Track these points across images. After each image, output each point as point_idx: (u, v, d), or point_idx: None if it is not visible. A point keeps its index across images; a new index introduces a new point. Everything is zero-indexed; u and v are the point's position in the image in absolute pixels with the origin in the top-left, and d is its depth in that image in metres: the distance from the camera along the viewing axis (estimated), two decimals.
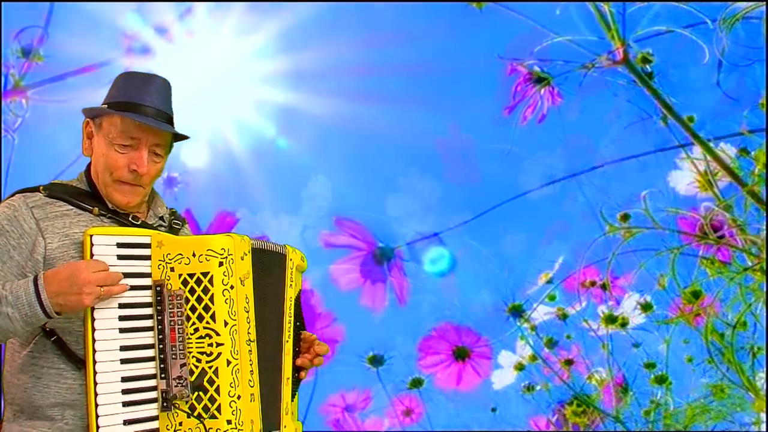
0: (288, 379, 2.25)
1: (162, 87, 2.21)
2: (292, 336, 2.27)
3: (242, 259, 2.09)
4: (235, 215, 4.43)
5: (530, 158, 4.48)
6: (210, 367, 1.99)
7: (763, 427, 3.96)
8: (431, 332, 4.53)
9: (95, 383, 1.95)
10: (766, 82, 4.34)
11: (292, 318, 2.28)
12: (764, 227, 4.30)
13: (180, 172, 4.41)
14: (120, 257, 2.01)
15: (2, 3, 4.11)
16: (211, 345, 2.00)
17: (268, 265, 2.20)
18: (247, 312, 2.09)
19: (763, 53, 4.36)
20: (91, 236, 1.99)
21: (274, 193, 4.47)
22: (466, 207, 4.51)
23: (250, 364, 2.08)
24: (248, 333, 2.08)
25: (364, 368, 4.52)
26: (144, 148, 2.14)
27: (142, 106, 2.14)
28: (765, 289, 4.07)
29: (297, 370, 2.32)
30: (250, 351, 2.08)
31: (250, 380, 2.07)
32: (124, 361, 1.99)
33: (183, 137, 2.27)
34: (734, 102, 4.41)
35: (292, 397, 2.30)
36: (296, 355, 2.31)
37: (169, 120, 2.20)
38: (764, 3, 4.33)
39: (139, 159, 2.13)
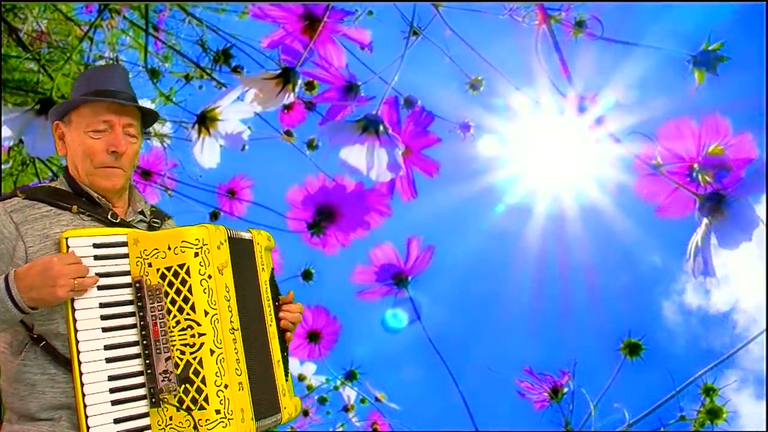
0: (279, 361, 2.25)
1: (121, 73, 2.28)
2: (274, 319, 2.28)
3: (218, 248, 2.08)
4: None
5: None
6: (194, 359, 1.98)
7: (763, 427, 3.95)
8: None
9: (82, 384, 1.95)
10: (766, 82, 4.33)
11: (270, 301, 2.28)
12: (764, 227, 4.29)
13: None
14: (97, 257, 2.01)
15: (2, 2, 4.13)
16: (193, 336, 1.99)
17: (242, 254, 2.20)
18: (228, 301, 2.07)
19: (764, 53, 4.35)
20: (66, 239, 2.01)
21: None
22: None
23: (236, 353, 2.06)
24: (231, 322, 2.07)
25: None
26: (118, 128, 2.18)
27: (106, 91, 2.19)
28: (765, 289, 4.06)
29: (283, 337, 2.32)
30: (235, 340, 2.07)
31: (236, 369, 2.05)
32: (109, 360, 1.98)
33: (153, 115, 2.32)
34: None
35: (286, 376, 2.29)
36: (282, 334, 2.31)
37: (133, 101, 2.24)
38: (764, 2, 4.32)
39: (116, 139, 2.17)
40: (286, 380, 2.29)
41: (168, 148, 4.38)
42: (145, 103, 4.12)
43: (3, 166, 4.22)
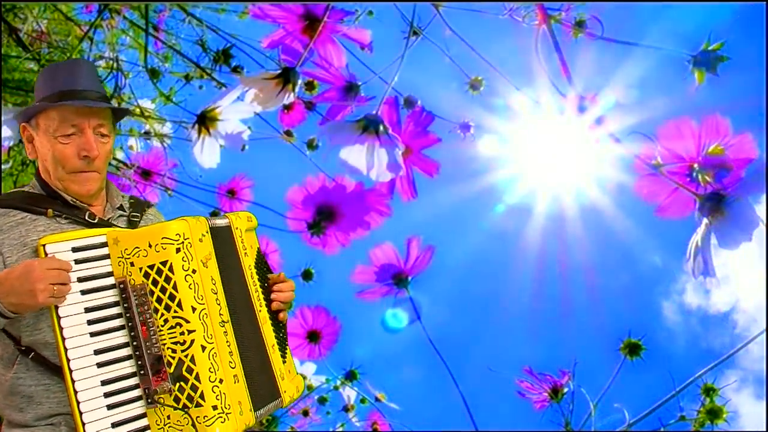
0: (273, 345, 2.22)
1: (87, 68, 2.18)
2: (263, 304, 2.24)
3: (201, 241, 2.04)
4: None
5: None
6: (186, 356, 1.95)
7: (763, 427, 3.94)
8: None
9: (75, 391, 1.92)
10: (766, 81, 4.32)
11: (258, 285, 2.24)
12: (764, 227, 4.28)
13: None
14: (78, 261, 1.97)
15: (2, 3, 4.13)
16: (183, 333, 1.96)
17: (224, 242, 2.15)
18: (215, 293, 2.04)
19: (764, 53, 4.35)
20: (44, 246, 1.95)
21: None
22: None
23: (228, 346, 2.04)
24: (220, 314, 2.04)
25: None
26: (88, 131, 2.10)
27: (73, 91, 2.10)
28: (765, 289, 4.05)
29: (276, 319, 2.28)
30: (226, 332, 2.04)
31: (230, 361, 2.03)
32: (100, 365, 1.95)
33: (124, 113, 2.25)
34: None
35: (284, 357, 2.26)
36: (275, 316, 2.28)
37: (103, 98, 2.16)
38: (764, 2, 4.32)
39: (87, 143, 2.09)
40: (284, 362, 2.26)
41: (168, 148, 4.37)
42: (145, 103, 4.13)
43: (3, 166, 4.22)
